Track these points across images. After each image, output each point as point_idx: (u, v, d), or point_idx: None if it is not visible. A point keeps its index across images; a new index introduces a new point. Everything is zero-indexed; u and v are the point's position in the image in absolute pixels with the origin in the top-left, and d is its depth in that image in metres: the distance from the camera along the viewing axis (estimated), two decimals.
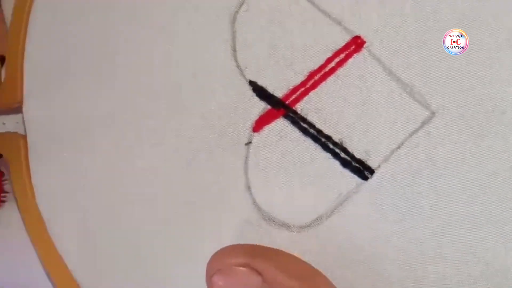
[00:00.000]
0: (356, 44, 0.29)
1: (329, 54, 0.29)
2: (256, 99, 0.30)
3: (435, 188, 0.28)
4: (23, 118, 0.35)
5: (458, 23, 0.28)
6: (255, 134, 0.30)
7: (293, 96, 0.30)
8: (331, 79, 0.29)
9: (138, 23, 0.33)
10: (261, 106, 0.30)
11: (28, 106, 0.35)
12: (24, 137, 0.35)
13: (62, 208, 0.33)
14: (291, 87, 0.30)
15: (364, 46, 0.29)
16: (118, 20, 0.33)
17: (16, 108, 0.35)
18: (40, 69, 0.35)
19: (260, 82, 0.30)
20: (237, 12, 0.31)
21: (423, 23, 0.29)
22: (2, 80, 0.36)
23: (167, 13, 0.32)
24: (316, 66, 0.30)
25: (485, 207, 0.27)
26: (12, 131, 0.35)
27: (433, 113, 0.28)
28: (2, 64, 0.36)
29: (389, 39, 0.29)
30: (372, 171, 0.29)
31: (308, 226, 0.29)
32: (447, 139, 0.28)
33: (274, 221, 0.30)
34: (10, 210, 0.35)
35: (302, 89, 0.30)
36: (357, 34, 0.29)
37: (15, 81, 0.35)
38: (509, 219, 0.27)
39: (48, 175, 0.34)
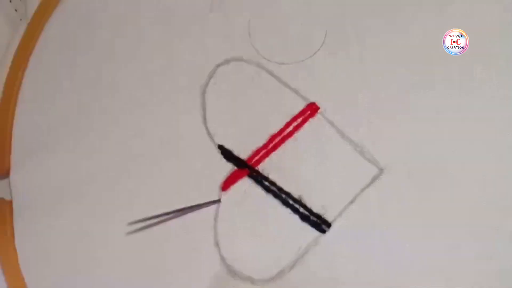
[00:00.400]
0: (311, 109, 0.32)
1: (288, 119, 0.33)
2: (223, 161, 0.33)
3: (385, 238, 0.30)
4: (9, 183, 0.37)
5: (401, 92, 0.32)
6: (224, 192, 0.33)
7: (256, 157, 0.33)
8: (289, 141, 0.32)
9: (119, 97, 0.36)
10: (228, 167, 0.33)
11: (15, 173, 0.37)
12: (10, 202, 0.37)
13: (43, 271, 0.34)
14: (254, 149, 0.33)
15: (319, 111, 0.32)
16: (100, 94, 0.36)
17: (3, 174, 0.38)
18: (27, 140, 0.37)
19: (227, 146, 0.33)
20: (207, 84, 0.34)
21: (371, 89, 0.32)
22: None
23: (145, 86, 0.35)
24: (276, 130, 0.33)
25: (430, 255, 0.29)
26: None
27: (381, 170, 0.31)
28: None
29: (341, 105, 0.32)
30: (329, 225, 0.31)
31: (271, 279, 0.31)
32: (394, 193, 0.30)
33: (239, 276, 0.31)
34: None
35: (264, 150, 0.32)
36: (312, 101, 0.33)
37: (4, 150, 0.37)
38: (451, 266, 0.29)
39: (31, 239, 0.35)
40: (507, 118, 0.31)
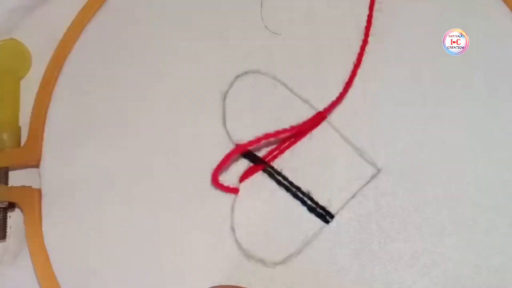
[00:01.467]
0: (319, 117, 0.38)
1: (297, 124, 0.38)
2: (241, 158, 0.38)
3: (382, 229, 0.35)
4: (39, 173, 0.41)
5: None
6: (241, 184, 0.37)
7: (271, 155, 0.37)
8: (300, 143, 0.37)
9: (145, 99, 0.41)
10: (245, 163, 0.38)
11: (45, 163, 0.41)
12: (39, 190, 0.41)
13: (68, 255, 0.38)
14: (269, 149, 0.38)
15: (326, 119, 0.38)
16: (130, 96, 0.41)
17: (34, 164, 0.42)
18: (58, 134, 0.42)
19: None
20: (227, 91, 0.39)
21: (369, 101, 0.38)
22: (22, 144, 0.43)
23: (172, 90, 0.40)
24: (288, 134, 0.38)
25: (422, 244, 0.35)
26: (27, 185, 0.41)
27: (379, 170, 0.36)
28: None
29: (344, 114, 0.38)
30: (332, 216, 0.36)
31: (281, 262, 0.36)
32: (390, 191, 0.36)
33: (253, 258, 0.36)
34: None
35: (277, 151, 0.38)
36: (320, 110, 0.38)
37: (36, 143, 0.42)
38: (439, 256, 0.35)
39: (58, 226, 0.39)
40: (503, 121, 0.36)
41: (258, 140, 0.36)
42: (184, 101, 0.40)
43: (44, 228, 0.40)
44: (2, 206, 0.42)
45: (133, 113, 0.41)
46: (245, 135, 0.37)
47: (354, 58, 0.39)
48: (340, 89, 0.38)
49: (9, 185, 0.43)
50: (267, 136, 0.36)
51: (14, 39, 0.46)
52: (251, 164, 0.38)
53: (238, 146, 0.37)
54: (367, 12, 0.39)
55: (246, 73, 0.40)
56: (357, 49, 0.39)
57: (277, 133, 0.36)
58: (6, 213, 0.43)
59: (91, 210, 0.39)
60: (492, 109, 0.37)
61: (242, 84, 0.39)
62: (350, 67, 0.38)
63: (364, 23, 0.39)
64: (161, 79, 0.41)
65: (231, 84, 0.39)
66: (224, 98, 0.39)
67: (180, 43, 0.41)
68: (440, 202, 0.35)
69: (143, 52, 0.41)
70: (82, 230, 0.39)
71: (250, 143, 0.36)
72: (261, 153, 0.38)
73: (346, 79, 0.38)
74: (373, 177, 0.36)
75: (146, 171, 0.39)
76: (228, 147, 0.38)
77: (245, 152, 0.38)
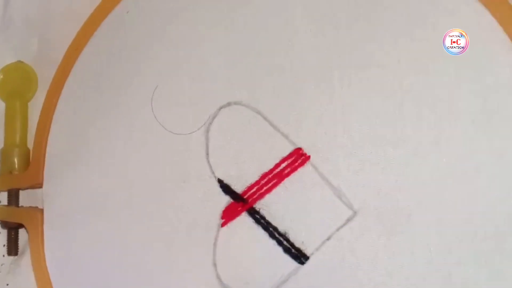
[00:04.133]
0: (297, 154, 0.37)
1: (277, 161, 0.37)
2: (222, 194, 0.38)
3: (355, 275, 0.35)
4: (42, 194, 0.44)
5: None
6: (222, 221, 0.38)
7: (250, 192, 0.37)
8: (280, 186, 0.37)
9: (134, 127, 0.41)
10: (226, 199, 0.38)
11: (47, 184, 0.43)
12: (42, 210, 0.43)
13: (68, 275, 0.41)
14: (248, 185, 0.38)
15: (308, 160, 0.37)
16: (118, 123, 0.42)
17: (38, 186, 0.44)
18: (59, 156, 0.44)
19: (226, 181, 0.38)
20: (210, 123, 0.39)
21: (351, 139, 0.36)
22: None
23: (155, 125, 0.41)
24: (267, 169, 0.37)
25: None
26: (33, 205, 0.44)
27: (355, 213, 0.35)
28: None
29: (324, 151, 0.36)
30: (307, 258, 0.36)
31: None
32: (365, 234, 0.35)
33: None
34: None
35: (256, 187, 0.37)
36: (299, 146, 0.37)
37: (39, 164, 0.44)
38: None
39: (59, 245, 0.42)
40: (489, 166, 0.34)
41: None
42: (170, 134, 0.40)
43: (45, 248, 0.42)
44: (12, 227, 0.45)
45: (124, 139, 0.42)
46: (227, 170, 0.38)
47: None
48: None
49: (20, 205, 0.46)
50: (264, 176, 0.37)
51: (21, 62, 0.48)
52: (231, 201, 0.38)
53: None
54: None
55: (229, 104, 0.39)
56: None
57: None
58: (18, 232, 0.46)
59: (87, 232, 0.41)
60: (478, 151, 0.34)
61: (225, 116, 0.39)
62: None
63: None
64: (148, 107, 0.41)
65: (214, 116, 0.39)
66: (207, 130, 0.39)
67: (164, 72, 0.41)
68: (416, 249, 0.34)
69: (131, 80, 0.42)
70: (80, 252, 0.42)
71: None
72: (240, 188, 0.38)
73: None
74: (349, 219, 0.35)
75: (135, 198, 0.40)
76: (211, 182, 0.38)
77: (224, 187, 0.38)
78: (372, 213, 0.35)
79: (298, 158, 0.37)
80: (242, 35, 0.39)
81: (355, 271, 0.35)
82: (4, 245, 0.46)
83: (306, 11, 0.38)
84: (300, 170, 0.37)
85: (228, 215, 0.38)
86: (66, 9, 0.47)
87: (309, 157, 0.37)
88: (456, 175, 0.34)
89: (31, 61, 0.48)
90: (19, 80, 0.48)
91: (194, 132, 0.39)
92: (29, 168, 0.45)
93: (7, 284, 0.44)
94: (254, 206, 0.37)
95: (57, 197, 0.43)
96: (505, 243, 0.33)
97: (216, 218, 0.38)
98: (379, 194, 0.35)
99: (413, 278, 0.34)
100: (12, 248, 0.46)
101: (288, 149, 0.37)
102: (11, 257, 0.46)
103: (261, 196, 0.37)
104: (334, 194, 0.36)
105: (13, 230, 0.46)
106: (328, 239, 0.35)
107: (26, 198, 0.46)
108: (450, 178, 0.34)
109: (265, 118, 0.38)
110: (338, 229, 0.35)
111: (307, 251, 0.36)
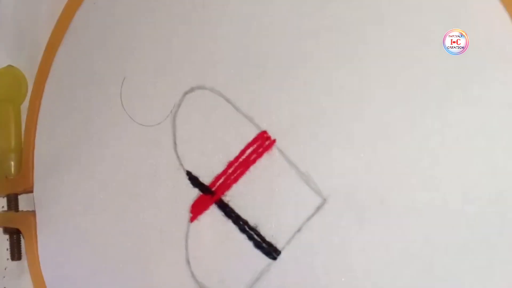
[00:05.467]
0: (262, 138, 0.33)
1: (242, 147, 0.34)
2: (191, 187, 0.35)
3: (327, 267, 0.31)
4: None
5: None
6: (191, 215, 0.35)
7: (218, 183, 0.34)
8: (246, 174, 0.34)
9: (113, 124, 0.40)
10: (195, 192, 0.35)
11: (37, 188, 0.43)
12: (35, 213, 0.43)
13: (60, 277, 0.41)
14: (215, 176, 0.35)
15: (273, 144, 0.33)
16: (99, 120, 0.40)
17: (29, 190, 0.44)
18: (45, 160, 0.43)
19: (194, 172, 0.35)
20: (176, 111, 0.37)
21: (318, 118, 0.32)
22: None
23: (125, 118, 0.39)
24: (233, 157, 0.34)
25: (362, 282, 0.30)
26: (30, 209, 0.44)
27: (324, 200, 0.31)
28: None
29: (289, 134, 0.32)
30: (278, 252, 0.32)
31: None
32: (337, 223, 0.31)
33: None
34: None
35: (224, 177, 0.34)
36: (264, 130, 0.33)
37: (28, 169, 0.44)
38: None
39: (52, 246, 0.42)
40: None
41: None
42: (138, 126, 0.38)
43: (39, 251, 0.42)
44: (13, 231, 0.46)
45: (99, 135, 0.40)
46: (194, 161, 0.36)
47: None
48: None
49: (19, 210, 0.46)
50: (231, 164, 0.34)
51: (11, 66, 0.48)
52: (200, 193, 0.35)
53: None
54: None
55: (192, 89, 0.36)
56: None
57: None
58: (19, 237, 0.46)
59: (75, 234, 0.41)
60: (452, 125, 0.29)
61: (189, 102, 0.36)
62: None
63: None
64: (117, 99, 0.39)
65: (180, 103, 0.36)
66: (174, 119, 0.36)
67: (130, 63, 0.39)
68: (392, 237, 0.29)
69: (102, 74, 0.40)
70: (69, 254, 0.41)
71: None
72: (208, 179, 0.35)
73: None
74: (319, 208, 0.31)
75: (113, 196, 0.39)
76: (180, 174, 0.36)
77: (195, 180, 0.35)
78: (343, 199, 0.31)
79: (263, 142, 0.33)
80: (203, 19, 0.36)
81: (329, 264, 0.31)
82: (7, 249, 0.46)
83: None
84: (265, 155, 0.33)
85: (196, 209, 0.35)
86: (56, 12, 0.46)
87: (274, 140, 0.33)
88: (431, 154, 0.29)
89: (22, 65, 0.48)
90: (10, 84, 0.48)
91: (161, 122, 0.37)
92: (20, 173, 0.45)
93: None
94: (222, 198, 0.34)
95: (46, 200, 0.43)
96: (489, 227, 0.27)
97: (186, 213, 0.35)
98: (349, 178, 0.31)
99: (392, 268, 0.29)
100: (15, 253, 0.46)
101: (253, 134, 0.34)
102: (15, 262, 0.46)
103: (227, 187, 0.34)
104: (302, 180, 0.32)
105: (14, 235, 0.46)
106: (299, 230, 0.32)
107: (27, 202, 0.46)
108: (425, 157, 0.29)
109: (228, 101, 0.35)
110: (308, 219, 0.31)
111: (278, 245, 0.32)
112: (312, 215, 0.31)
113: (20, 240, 0.46)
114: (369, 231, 0.30)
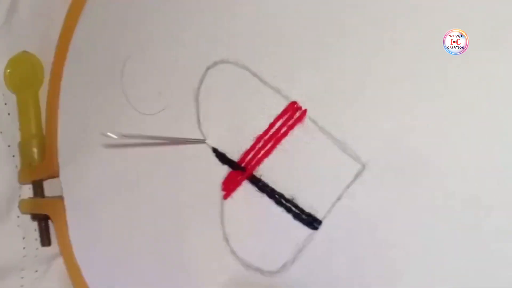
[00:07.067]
0: (292, 109, 0.32)
1: (271, 119, 0.33)
2: (220, 164, 0.35)
3: (373, 233, 0.30)
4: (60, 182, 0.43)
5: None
6: (223, 192, 0.35)
7: (247, 159, 0.34)
8: (278, 148, 0.33)
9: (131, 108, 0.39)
10: (225, 169, 0.35)
11: (63, 173, 0.43)
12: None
13: (95, 257, 0.41)
14: (244, 151, 0.34)
15: (305, 114, 0.32)
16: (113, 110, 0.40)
17: (55, 175, 0.44)
18: (70, 143, 0.43)
19: (221, 149, 0.35)
20: (199, 88, 0.36)
21: (351, 86, 0.31)
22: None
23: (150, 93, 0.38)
24: (261, 131, 0.33)
25: (415, 248, 0.29)
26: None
27: (363, 166, 0.30)
28: None
29: (321, 102, 0.31)
30: (319, 222, 0.32)
31: (277, 271, 0.33)
32: (377, 188, 0.30)
33: (250, 267, 0.34)
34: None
35: (253, 151, 0.33)
36: (293, 100, 0.32)
37: (52, 154, 0.44)
38: (435, 260, 0.28)
39: (83, 231, 0.42)
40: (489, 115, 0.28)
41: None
42: (161, 105, 0.37)
43: (70, 236, 0.42)
44: (41, 218, 0.45)
45: (121, 116, 0.40)
46: (220, 138, 0.35)
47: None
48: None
49: (45, 196, 0.46)
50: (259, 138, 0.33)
51: (27, 52, 0.47)
52: (230, 170, 0.34)
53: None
54: None
55: (215, 63, 0.35)
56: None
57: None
58: (47, 222, 0.46)
59: (106, 215, 0.41)
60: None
61: (213, 77, 0.35)
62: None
63: None
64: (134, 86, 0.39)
65: (202, 79, 0.35)
66: (197, 96, 0.36)
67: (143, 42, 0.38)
68: (438, 200, 0.28)
69: (126, 52, 0.39)
70: (102, 236, 0.41)
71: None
72: (237, 155, 0.35)
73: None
74: (358, 174, 0.30)
75: (143, 177, 0.39)
76: (207, 152, 0.35)
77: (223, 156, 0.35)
78: (383, 164, 0.30)
79: (293, 113, 0.32)
80: None
81: (373, 231, 0.30)
82: (23, 238, 0.46)
83: None
84: (297, 127, 0.32)
85: (228, 186, 0.34)
86: None
87: (305, 110, 0.32)
88: (478, 110, 0.28)
89: (37, 51, 0.47)
90: (26, 70, 0.47)
91: (184, 99, 0.36)
92: (45, 159, 0.44)
93: (36, 271, 0.45)
94: (254, 173, 0.34)
95: (74, 184, 0.42)
96: None
97: (218, 191, 0.35)
98: (389, 141, 0.30)
99: (437, 233, 0.28)
100: (45, 239, 0.46)
101: (282, 105, 0.33)
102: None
103: (259, 161, 0.33)
104: (339, 148, 0.31)
105: (42, 221, 0.46)
106: (339, 199, 0.31)
107: (54, 187, 0.46)
108: (470, 114, 0.28)
109: (253, 74, 0.34)
110: (348, 187, 0.31)
111: (318, 215, 0.32)
112: (352, 182, 0.30)
113: (48, 226, 0.46)
114: (412, 193, 0.29)
